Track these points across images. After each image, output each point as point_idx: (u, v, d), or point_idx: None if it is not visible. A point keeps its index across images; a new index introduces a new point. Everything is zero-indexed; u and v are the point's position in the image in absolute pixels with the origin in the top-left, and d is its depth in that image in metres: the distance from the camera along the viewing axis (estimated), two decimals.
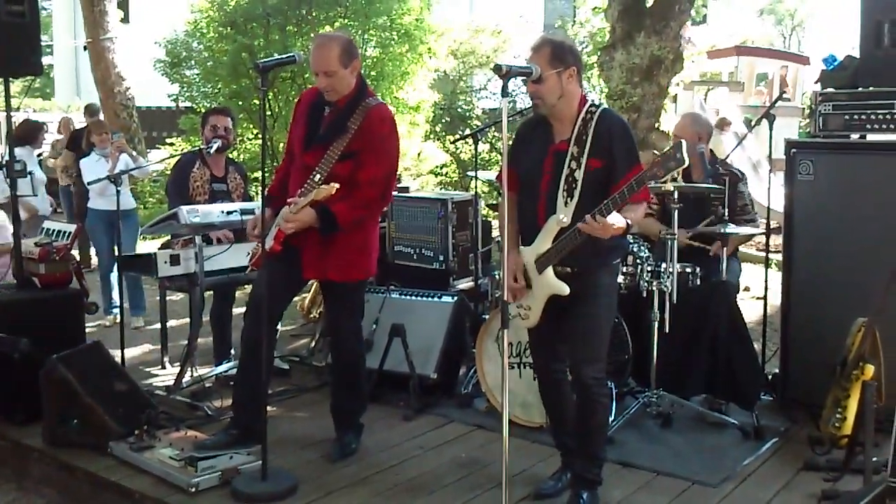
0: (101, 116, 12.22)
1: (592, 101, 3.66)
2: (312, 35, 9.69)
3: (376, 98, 4.27)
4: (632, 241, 4.68)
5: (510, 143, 3.85)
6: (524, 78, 3.47)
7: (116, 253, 6.47)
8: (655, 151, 3.30)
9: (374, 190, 4.10)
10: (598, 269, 3.62)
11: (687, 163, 3.26)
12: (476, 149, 6.20)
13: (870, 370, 3.94)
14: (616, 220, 3.35)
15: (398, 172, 5.29)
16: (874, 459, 3.63)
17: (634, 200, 3.43)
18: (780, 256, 5.30)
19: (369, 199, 4.10)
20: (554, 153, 3.61)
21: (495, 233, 6.46)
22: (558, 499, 3.85)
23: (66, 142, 10.07)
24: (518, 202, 3.72)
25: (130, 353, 5.85)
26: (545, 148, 3.65)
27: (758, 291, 6.66)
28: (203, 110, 9.28)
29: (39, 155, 9.00)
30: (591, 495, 3.69)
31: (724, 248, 4.87)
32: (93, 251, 8.55)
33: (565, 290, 3.54)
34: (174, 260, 5.01)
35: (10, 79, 5.33)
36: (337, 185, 3.90)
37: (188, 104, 12.01)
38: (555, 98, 3.55)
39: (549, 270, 3.56)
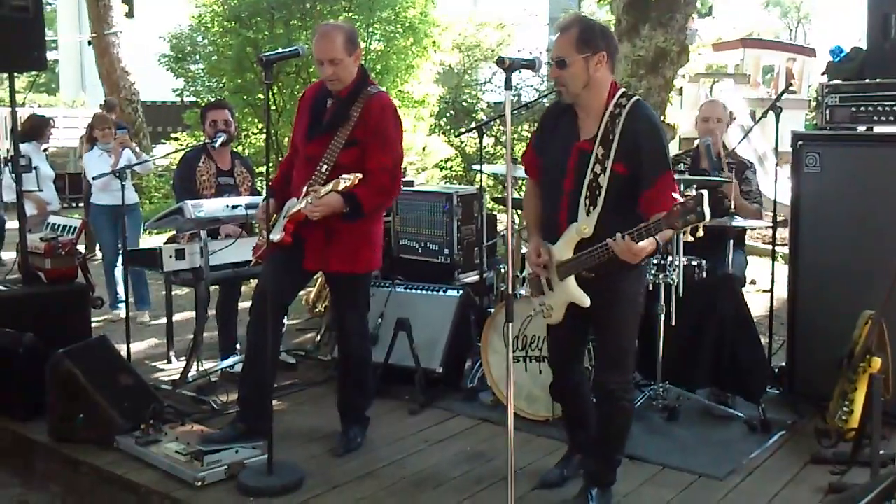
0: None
1: (624, 91, 3.39)
2: None
3: (377, 87, 4.26)
4: None
5: (536, 131, 3.70)
6: (534, 70, 3.25)
7: (121, 248, 6.46)
8: (678, 199, 3.10)
9: (385, 177, 4.09)
10: (622, 273, 3.38)
11: (709, 218, 3.03)
12: (481, 142, 6.16)
13: (877, 363, 3.92)
14: (645, 248, 3.15)
15: (403, 167, 5.28)
16: (881, 452, 3.62)
17: (662, 205, 3.14)
18: (786, 249, 5.29)
19: (383, 186, 4.09)
20: (578, 152, 3.37)
21: (501, 226, 6.45)
22: (563, 488, 3.84)
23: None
24: (541, 194, 3.58)
25: (136, 347, 5.85)
26: (570, 144, 3.41)
27: (764, 284, 6.66)
28: None
29: (45, 150, 9.00)
30: (601, 493, 3.63)
31: (731, 240, 4.85)
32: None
33: (586, 301, 3.38)
34: (179, 254, 5.01)
35: (15, 74, 5.33)
36: (360, 175, 3.88)
37: (193, 99, 12.02)
38: (579, 86, 3.31)
39: (571, 279, 3.40)
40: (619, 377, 3.48)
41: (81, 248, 6.96)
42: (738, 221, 4.75)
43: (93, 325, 5.35)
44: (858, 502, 2.84)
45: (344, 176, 3.89)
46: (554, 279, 3.48)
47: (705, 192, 3.07)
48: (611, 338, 3.50)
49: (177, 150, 10.59)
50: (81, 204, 9.86)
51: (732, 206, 4.76)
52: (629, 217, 3.26)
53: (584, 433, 3.78)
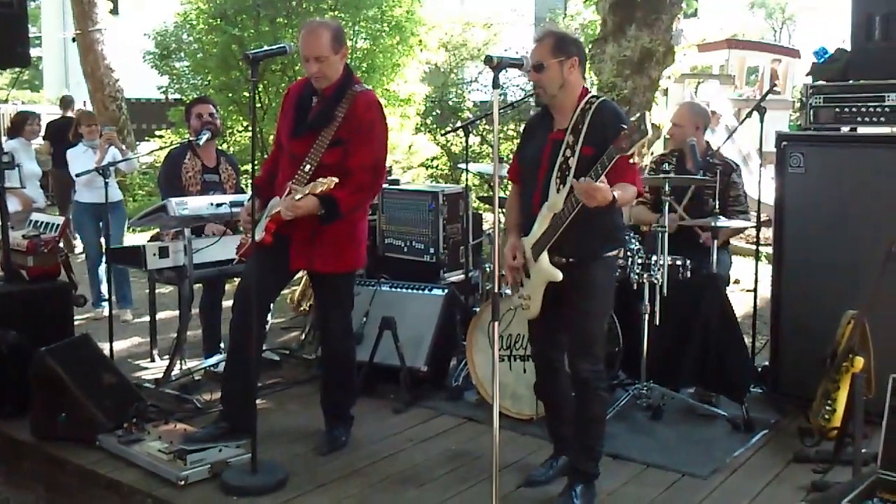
0: (76, 108, 12.17)
1: (593, 94, 3.68)
2: None
3: (362, 85, 4.25)
4: None
5: (519, 143, 3.93)
6: (522, 69, 3.47)
7: (104, 246, 6.42)
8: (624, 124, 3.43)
9: (366, 175, 4.08)
10: (591, 261, 3.61)
11: (651, 133, 3.27)
12: (467, 141, 6.18)
13: (859, 362, 3.94)
14: (603, 188, 3.34)
15: (389, 165, 5.27)
16: (864, 451, 3.65)
17: (623, 181, 3.46)
18: (770, 249, 5.31)
19: (363, 184, 4.08)
20: (552, 141, 3.64)
21: (486, 225, 6.45)
22: (549, 486, 3.86)
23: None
24: (521, 193, 3.80)
25: (119, 345, 5.82)
26: (545, 137, 3.68)
27: (748, 284, 6.67)
28: None
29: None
30: (585, 488, 3.68)
31: (715, 240, 4.86)
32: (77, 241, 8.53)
33: (558, 276, 3.56)
34: (163, 252, 4.97)
35: None
36: (336, 179, 3.88)
37: (177, 96, 11.97)
38: (555, 88, 3.59)
39: (544, 257, 3.58)
40: (591, 364, 3.62)
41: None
42: (723, 222, 4.77)
43: (75, 323, 5.30)
44: (840, 501, 2.86)
45: (321, 179, 3.88)
46: (530, 264, 3.65)
47: (647, 112, 3.37)
48: (580, 323, 3.65)
49: (161, 148, 10.54)
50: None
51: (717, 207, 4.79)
52: None
53: (567, 429, 3.83)
